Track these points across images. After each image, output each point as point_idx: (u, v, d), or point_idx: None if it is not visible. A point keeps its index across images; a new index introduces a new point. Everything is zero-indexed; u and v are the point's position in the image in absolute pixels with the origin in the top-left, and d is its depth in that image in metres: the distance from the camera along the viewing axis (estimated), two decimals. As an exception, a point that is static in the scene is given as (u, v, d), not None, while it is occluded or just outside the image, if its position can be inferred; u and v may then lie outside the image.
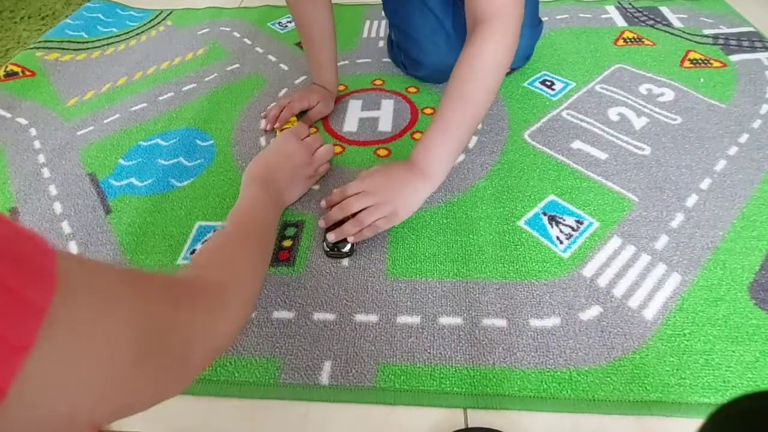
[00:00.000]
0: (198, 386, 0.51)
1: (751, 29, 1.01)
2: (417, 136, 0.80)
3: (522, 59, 0.93)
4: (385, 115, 0.85)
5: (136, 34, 1.14)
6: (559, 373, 0.50)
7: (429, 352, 0.52)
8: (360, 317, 0.56)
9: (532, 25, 0.88)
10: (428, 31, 0.83)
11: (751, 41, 0.97)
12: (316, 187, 0.72)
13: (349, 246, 0.61)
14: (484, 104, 0.60)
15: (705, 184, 0.69)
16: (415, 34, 0.84)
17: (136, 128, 0.86)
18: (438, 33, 0.82)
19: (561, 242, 0.62)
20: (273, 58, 1.02)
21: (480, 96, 0.60)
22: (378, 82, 0.93)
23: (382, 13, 1.17)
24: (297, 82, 0.95)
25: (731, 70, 0.90)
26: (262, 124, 0.83)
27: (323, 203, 0.66)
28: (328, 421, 0.49)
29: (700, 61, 0.93)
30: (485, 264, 0.61)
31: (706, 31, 1.01)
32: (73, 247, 0.66)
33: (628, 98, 0.85)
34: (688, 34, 1.01)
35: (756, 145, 0.74)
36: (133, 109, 0.90)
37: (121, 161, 0.79)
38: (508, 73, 0.93)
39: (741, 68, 0.90)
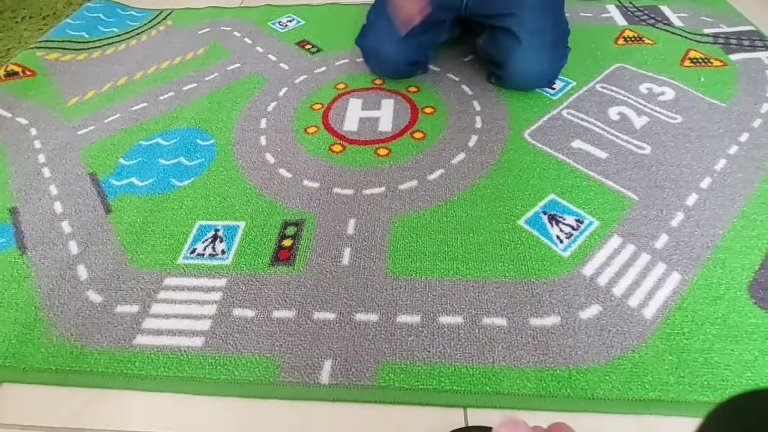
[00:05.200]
0: (198, 385, 0.51)
1: (752, 28, 1.01)
2: (417, 135, 0.81)
3: (538, 80, 0.87)
4: (386, 115, 0.85)
5: (137, 34, 1.14)
6: (558, 371, 0.50)
7: (429, 351, 0.52)
8: (360, 316, 0.56)
9: (554, 46, 0.83)
10: (386, 19, 0.84)
11: (751, 40, 0.97)
12: (316, 185, 0.72)
13: None
14: None
15: (705, 183, 0.69)
16: (375, 17, 0.88)
17: (136, 128, 0.86)
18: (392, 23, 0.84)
19: (561, 241, 0.62)
20: (273, 58, 1.02)
21: None
22: (378, 82, 0.93)
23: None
24: (297, 81, 0.95)
25: (731, 69, 0.90)
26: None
27: None
28: (328, 419, 0.49)
29: (700, 60, 0.93)
30: (485, 263, 0.61)
31: (707, 30, 1.01)
32: (73, 247, 0.66)
33: (628, 97, 0.85)
34: (688, 33, 1.01)
35: (756, 144, 0.74)
36: (134, 108, 0.90)
37: (122, 161, 0.79)
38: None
39: (741, 67, 0.90)
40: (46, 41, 1.11)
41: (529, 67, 0.83)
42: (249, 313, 0.57)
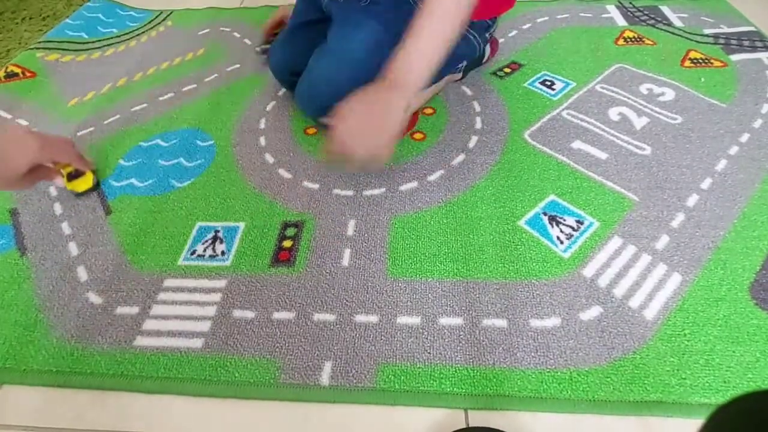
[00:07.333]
0: (198, 386, 0.51)
1: (752, 29, 1.01)
2: (417, 136, 0.80)
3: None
4: (386, 115, 0.85)
5: (137, 35, 1.14)
6: (559, 373, 0.50)
7: (429, 353, 0.52)
8: (360, 318, 0.56)
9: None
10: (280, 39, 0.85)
11: (751, 41, 0.97)
12: (316, 186, 0.72)
13: None
14: (456, 15, 0.60)
15: (706, 183, 0.69)
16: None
17: (136, 129, 0.86)
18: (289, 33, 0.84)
19: (561, 242, 0.62)
20: (273, 59, 1.02)
21: (450, 6, 0.60)
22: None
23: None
24: (297, 82, 0.95)
25: (732, 70, 0.90)
26: None
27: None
28: (328, 421, 0.49)
29: (700, 61, 0.93)
30: (485, 264, 0.61)
31: (707, 31, 1.01)
32: (73, 248, 0.66)
33: (628, 98, 0.85)
34: (688, 33, 1.01)
35: (757, 145, 0.74)
36: (134, 109, 0.90)
37: (122, 162, 0.79)
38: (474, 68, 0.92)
39: (742, 68, 0.90)
40: (46, 42, 1.11)
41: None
42: (249, 314, 0.57)
